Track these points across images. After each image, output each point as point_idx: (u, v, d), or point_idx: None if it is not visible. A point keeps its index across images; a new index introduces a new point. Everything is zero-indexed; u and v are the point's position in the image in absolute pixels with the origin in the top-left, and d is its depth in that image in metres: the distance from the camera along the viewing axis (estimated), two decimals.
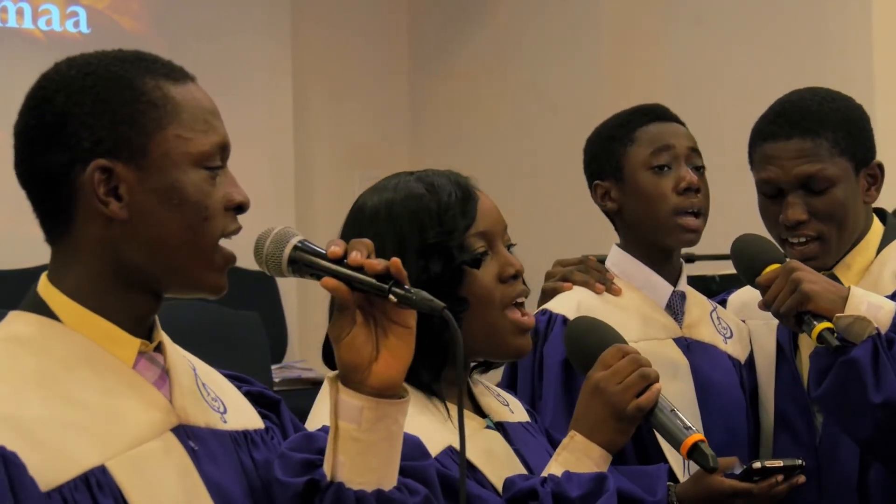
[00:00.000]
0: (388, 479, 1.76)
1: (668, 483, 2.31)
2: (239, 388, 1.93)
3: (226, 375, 1.93)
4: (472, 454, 2.10)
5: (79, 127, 1.69)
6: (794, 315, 2.48)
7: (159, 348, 1.78)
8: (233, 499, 1.76)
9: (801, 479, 2.31)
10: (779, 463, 2.28)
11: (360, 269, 1.72)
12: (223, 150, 1.75)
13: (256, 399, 1.94)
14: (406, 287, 1.72)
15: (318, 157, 7.15)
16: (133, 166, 1.69)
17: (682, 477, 2.54)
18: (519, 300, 2.17)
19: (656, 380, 2.20)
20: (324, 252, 1.74)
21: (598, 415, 2.18)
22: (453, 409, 2.15)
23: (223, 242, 1.75)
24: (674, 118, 2.77)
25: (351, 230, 2.16)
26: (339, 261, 1.72)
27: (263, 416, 1.91)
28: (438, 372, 2.14)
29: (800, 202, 2.63)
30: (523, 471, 2.18)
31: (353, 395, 1.74)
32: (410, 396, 1.79)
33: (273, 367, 5.18)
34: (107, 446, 1.65)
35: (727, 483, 2.29)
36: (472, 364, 2.25)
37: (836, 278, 2.66)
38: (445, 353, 2.12)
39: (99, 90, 1.70)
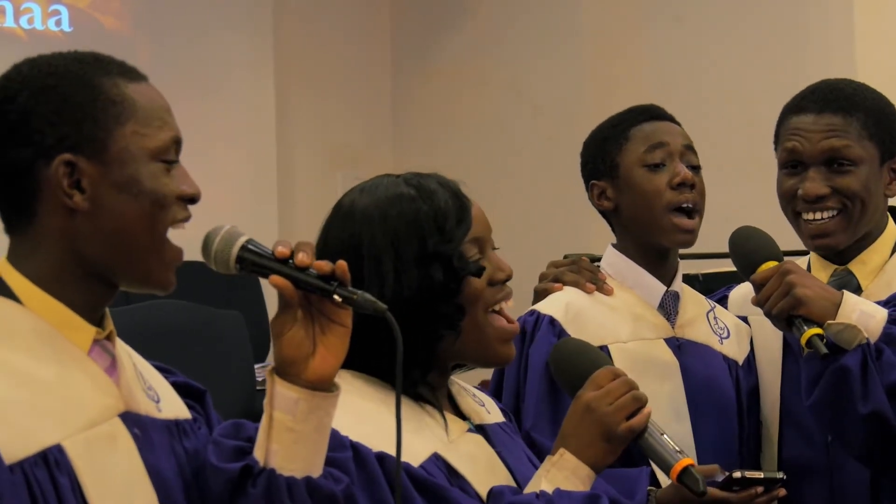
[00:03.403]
0: (317, 467, 1.86)
1: (650, 488, 2.31)
2: (166, 378, 2.01)
3: (154, 366, 2.00)
4: (456, 460, 2.10)
5: (42, 124, 1.78)
6: (784, 317, 2.47)
7: (110, 337, 1.86)
8: (169, 485, 1.85)
9: (782, 492, 2.31)
10: (759, 474, 2.28)
11: (305, 269, 1.80)
12: (177, 144, 1.85)
13: (182, 389, 2.02)
14: (350, 288, 1.80)
15: (301, 156, 7.14)
16: (95, 160, 1.78)
17: (665, 482, 2.53)
18: (505, 304, 2.18)
19: (646, 403, 2.21)
20: (270, 252, 1.82)
21: (589, 434, 2.18)
22: (446, 413, 2.17)
23: (178, 239, 1.84)
24: (668, 117, 2.77)
25: (340, 231, 2.16)
26: (286, 261, 1.81)
27: (189, 407, 2.00)
28: (424, 375, 2.14)
29: (821, 177, 2.61)
30: (506, 474, 2.17)
31: (290, 388, 1.83)
32: (340, 392, 1.86)
33: (256, 366, 5.17)
34: (64, 426, 1.74)
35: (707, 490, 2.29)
36: (452, 364, 2.24)
37: (851, 274, 2.66)
38: (429, 356, 2.14)
39: (61, 89, 1.79)
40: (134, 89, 1.82)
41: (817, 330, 2.43)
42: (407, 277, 2.09)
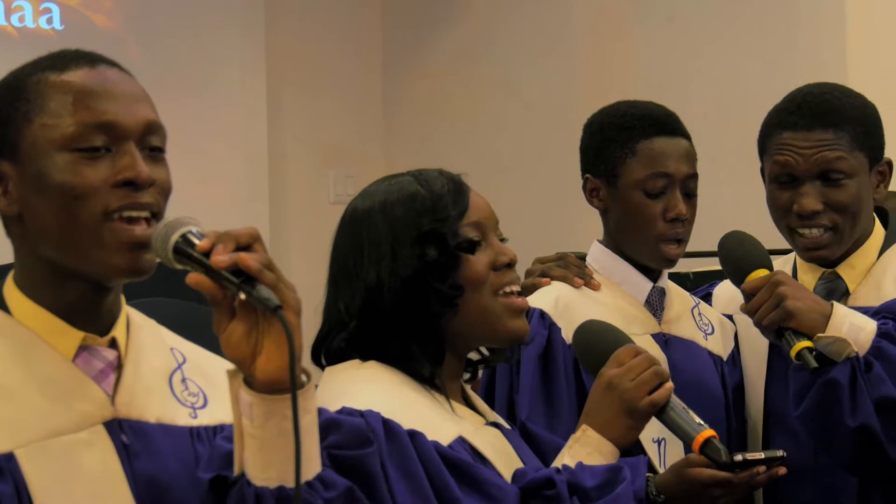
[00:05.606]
0: (293, 476, 1.68)
1: (647, 475, 2.33)
2: None
3: None
4: (480, 445, 2.14)
5: None
6: (774, 329, 2.48)
7: (114, 343, 1.80)
8: (169, 492, 1.78)
9: (782, 470, 2.31)
10: (760, 455, 2.29)
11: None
12: (102, 128, 1.74)
13: None
14: (254, 283, 1.65)
15: (292, 155, 7.13)
16: (13, 163, 1.76)
17: (659, 469, 2.55)
18: (512, 287, 2.20)
19: (668, 378, 2.26)
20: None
21: (611, 410, 2.23)
22: (463, 408, 2.20)
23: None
24: (680, 132, 2.74)
25: (347, 232, 2.20)
26: (207, 255, 1.67)
27: None
28: (439, 365, 2.17)
29: (815, 192, 2.61)
30: (522, 466, 2.20)
31: (246, 391, 1.70)
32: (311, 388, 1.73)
33: None
34: (19, 435, 1.71)
35: (706, 473, 2.30)
36: (467, 363, 2.27)
37: (839, 277, 2.66)
38: (444, 346, 2.16)
39: None
40: (55, 79, 1.76)
41: (807, 343, 2.44)
42: (403, 256, 2.12)
